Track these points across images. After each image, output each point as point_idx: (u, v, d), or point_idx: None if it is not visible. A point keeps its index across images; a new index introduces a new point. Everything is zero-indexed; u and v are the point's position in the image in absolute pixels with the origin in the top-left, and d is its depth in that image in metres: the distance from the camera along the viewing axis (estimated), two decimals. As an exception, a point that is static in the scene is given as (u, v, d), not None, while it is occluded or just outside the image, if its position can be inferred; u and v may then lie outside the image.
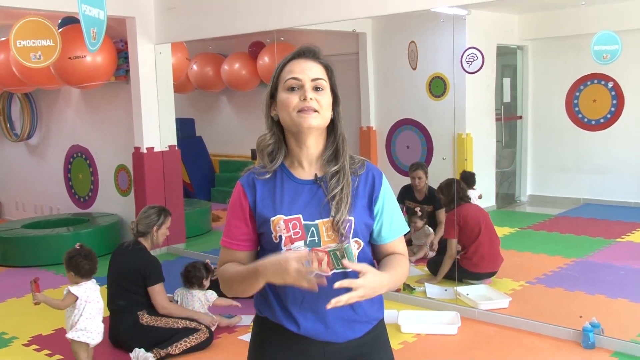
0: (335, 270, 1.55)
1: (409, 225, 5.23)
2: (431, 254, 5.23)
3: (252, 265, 1.50)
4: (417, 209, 5.21)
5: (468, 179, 5.35)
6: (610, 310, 4.05)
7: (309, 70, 1.56)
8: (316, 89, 1.56)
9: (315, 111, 1.54)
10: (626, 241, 5.69)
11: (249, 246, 1.63)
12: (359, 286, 1.41)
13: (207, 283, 4.03)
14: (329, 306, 1.40)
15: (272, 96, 1.61)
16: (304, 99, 1.53)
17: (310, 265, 1.40)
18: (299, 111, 1.54)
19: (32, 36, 4.65)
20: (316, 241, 1.54)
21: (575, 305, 4.16)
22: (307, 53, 1.60)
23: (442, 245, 5.27)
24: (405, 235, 1.72)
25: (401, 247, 1.67)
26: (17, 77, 6.03)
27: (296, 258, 1.40)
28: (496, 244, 4.69)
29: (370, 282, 1.43)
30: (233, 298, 3.97)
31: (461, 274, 4.54)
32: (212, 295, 4.00)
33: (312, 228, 1.54)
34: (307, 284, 1.40)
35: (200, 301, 3.96)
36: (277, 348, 1.61)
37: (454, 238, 4.63)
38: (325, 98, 1.57)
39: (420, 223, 5.26)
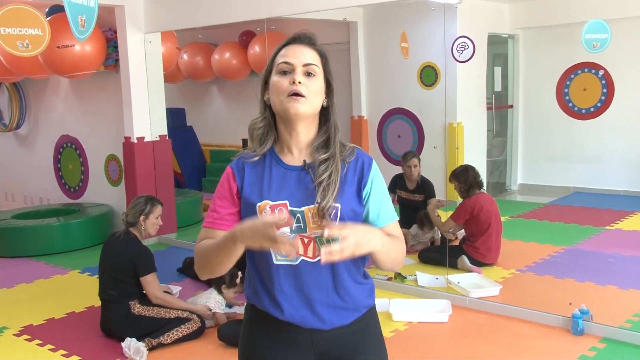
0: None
1: (421, 228, 5.21)
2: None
3: (229, 232, 1.47)
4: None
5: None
6: (599, 297, 4.09)
7: (301, 55, 1.56)
8: (308, 74, 1.56)
9: (303, 96, 1.53)
10: (615, 229, 5.74)
11: (233, 226, 1.62)
12: (346, 235, 1.36)
13: (226, 292, 3.97)
14: (323, 259, 1.35)
15: (267, 80, 1.61)
16: (293, 82, 1.53)
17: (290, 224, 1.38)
18: (288, 96, 1.53)
19: (18, 24, 4.58)
20: (302, 227, 1.54)
21: (565, 292, 4.20)
22: (303, 38, 1.60)
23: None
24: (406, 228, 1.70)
25: (396, 231, 1.64)
26: (4, 66, 5.96)
27: (272, 223, 1.36)
28: (500, 235, 4.73)
29: (354, 232, 1.38)
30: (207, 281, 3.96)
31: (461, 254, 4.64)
32: (216, 303, 3.92)
33: (298, 214, 1.54)
34: (284, 249, 1.36)
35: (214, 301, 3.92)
36: (266, 336, 1.61)
37: (458, 224, 4.66)
38: (316, 84, 1.56)
39: (429, 231, 5.23)
